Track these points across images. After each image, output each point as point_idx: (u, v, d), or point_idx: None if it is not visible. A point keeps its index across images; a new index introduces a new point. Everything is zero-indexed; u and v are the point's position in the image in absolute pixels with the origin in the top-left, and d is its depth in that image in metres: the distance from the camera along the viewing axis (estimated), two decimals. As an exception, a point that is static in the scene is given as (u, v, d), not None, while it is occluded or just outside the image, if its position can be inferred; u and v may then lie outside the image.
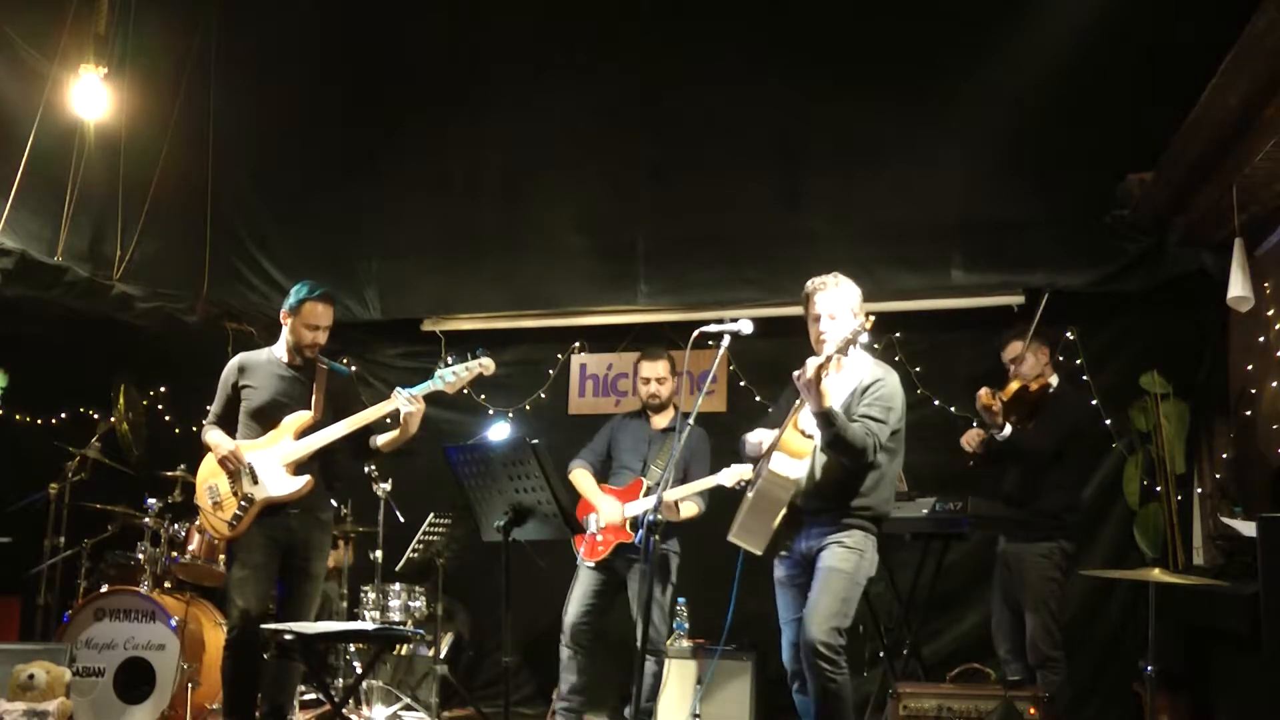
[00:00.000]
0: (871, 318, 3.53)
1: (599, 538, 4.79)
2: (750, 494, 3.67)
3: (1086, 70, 4.53)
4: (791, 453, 3.55)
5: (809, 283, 3.76)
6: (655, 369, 4.99)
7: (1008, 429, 4.52)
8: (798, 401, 3.64)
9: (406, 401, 4.15)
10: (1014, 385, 4.58)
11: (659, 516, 3.44)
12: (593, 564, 4.83)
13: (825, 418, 3.47)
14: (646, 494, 4.79)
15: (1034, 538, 4.54)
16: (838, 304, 3.67)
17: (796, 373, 3.51)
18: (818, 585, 3.57)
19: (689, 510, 4.72)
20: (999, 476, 4.74)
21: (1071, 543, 4.58)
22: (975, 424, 4.73)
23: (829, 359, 3.48)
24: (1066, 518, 4.58)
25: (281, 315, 4.35)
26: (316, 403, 4.28)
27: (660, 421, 5.01)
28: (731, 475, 4.46)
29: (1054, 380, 4.75)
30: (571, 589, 4.86)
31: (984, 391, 4.53)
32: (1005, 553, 4.68)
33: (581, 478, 4.96)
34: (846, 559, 3.58)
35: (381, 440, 4.31)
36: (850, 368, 3.72)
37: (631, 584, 4.79)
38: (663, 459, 4.79)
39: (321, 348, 4.37)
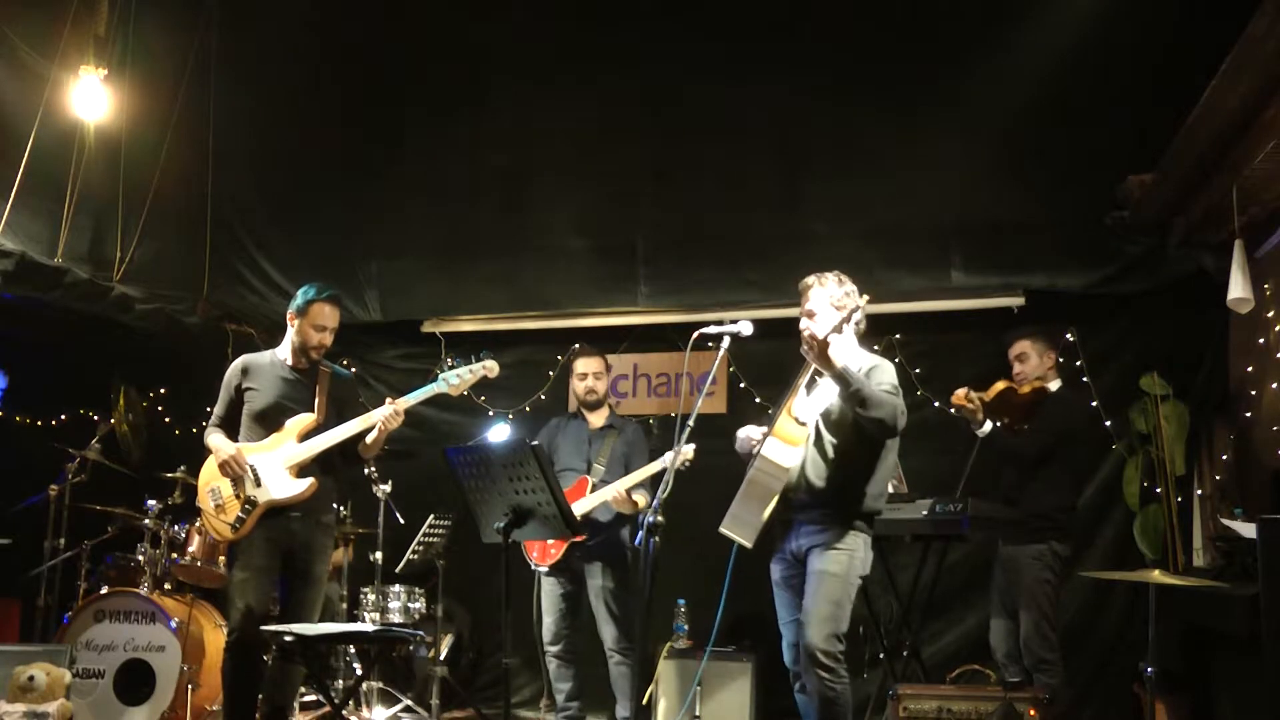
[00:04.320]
0: (865, 297, 3.58)
1: (549, 541, 4.81)
2: (743, 483, 3.67)
3: (1086, 70, 4.51)
4: (785, 440, 3.54)
5: (803, 281, 3.84)
6: (591, 364, 5.09)
7: (987, 425, 4.62)
8: (792, 388, 3.65)
9: (389, 416, 4.16)
10: (999, 386, 4.65)
11: (658, 519, 3.44)
12: (547, 569, 4.88)
13: (841, 378, 3.48)
14: (592, 490, 4.86)
15: (1027, 539, 4.56)
16: (819, 301, 3.76)
17: (804, 334, 3.52)
18: (810, 591, 3.58)
19: (641, 499, 4.83)
20: (995, 477, 4.75)
21: (1064, 544, 4.59)
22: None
23: (840, 325, 3.52)
24: (1058, 519, 4.59)
25: (288, 316, 4.34)
26: (319, 405, 4.28)
27: (597, 420, 5.10)
28: (674, 456, 4.53)
29: (1054, 385, 4.76)
30: (536, 600, 4.94)
31: (960, 392, 4.63)
32: (1002, 555, 4.68)
33: None
34: (837, 561, 3.58)
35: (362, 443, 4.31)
36: (845, 358, 3.73)
37: (591, 581, 4.86)
38: (604, 456, 4.93)
39: (327, 350, 4.38)
